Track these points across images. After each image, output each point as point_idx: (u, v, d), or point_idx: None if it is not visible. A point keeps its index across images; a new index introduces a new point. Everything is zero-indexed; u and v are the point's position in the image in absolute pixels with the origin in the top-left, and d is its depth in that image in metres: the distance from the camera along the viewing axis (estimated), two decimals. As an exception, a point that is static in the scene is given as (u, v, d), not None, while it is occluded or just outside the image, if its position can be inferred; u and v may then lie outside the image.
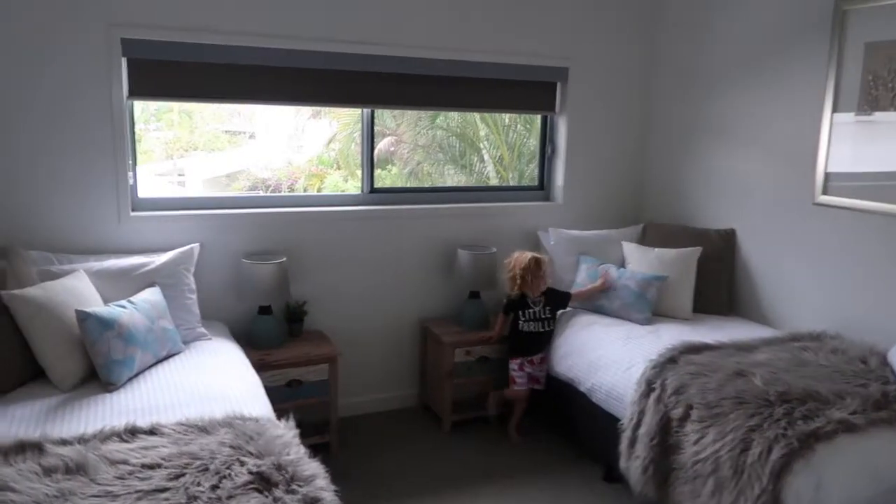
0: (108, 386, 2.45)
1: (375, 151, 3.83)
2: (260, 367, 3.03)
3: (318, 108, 4.84)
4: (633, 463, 2.73)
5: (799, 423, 2.28)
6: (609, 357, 3.12)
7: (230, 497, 1.73)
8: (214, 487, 1.77)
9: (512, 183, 5.72)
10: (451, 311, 3.89)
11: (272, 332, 3.28)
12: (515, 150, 6.01)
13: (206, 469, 1.84)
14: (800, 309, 3.38)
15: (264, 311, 3.31)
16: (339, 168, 5.10)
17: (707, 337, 3.10)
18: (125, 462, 1.86)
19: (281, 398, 3.07)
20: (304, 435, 3.08)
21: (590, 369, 3.17)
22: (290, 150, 4.98)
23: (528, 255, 3.50)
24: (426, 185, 4.99)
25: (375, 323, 3.76)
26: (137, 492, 1.74)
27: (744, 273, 3.69)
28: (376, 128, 3.78)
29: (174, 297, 2.96)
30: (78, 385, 2.47)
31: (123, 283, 2.86)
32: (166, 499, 1.71)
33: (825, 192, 3.22)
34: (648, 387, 2.74)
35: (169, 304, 2.90)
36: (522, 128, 5.84)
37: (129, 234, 3.18)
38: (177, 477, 1.80)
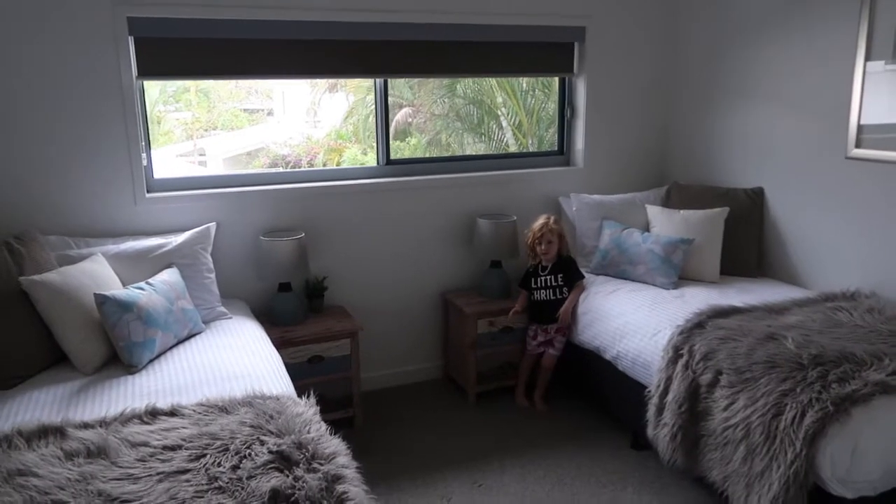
0: (130, 368, 2.45)
1: (393, 123, 3.76)
2: (281, 344, 3.03)
3: (335, 82, 4.79)
4: (661, 430, 2.68)
5: (834, 386, 2.21)
6: (634, 324, 3.05)
7: (251, 477, 1.71)
8: (235, 468, 1.75)
9: (531, 149, 5.61)
10: (472, 282, 3.84)
11: (292, 309, 3.27)
12: (534, 116, 5.89)
13: (227, 449, 1.83)
14: (832, 268, 3.27)
15: (284, 287, 3.29)
16: (357, 142, 5.05)
17: (736, 300, 3.02)
18: (146, 444, 1.85)
19: (303, 375, 3.07)
20: (328, 410, 3.12)
21: (615, 336, 3.11)
22: (307, 126, 4.95)
23: (539, 221, 3.45)
24: (444, 155, 4.92)
25: (397, 296, 3.73)
26: (159, 473, 1.73)
27: (773, 233, 3.58)
28: (393, 99, 3.70)
29: (192, 278, 2.95)
30: (100, 368, 2.47)
31: (141, 265, 2.86)
32: (187, 480, 1.70)
33: (858, 146, 3.08)
34: (676, 353, 2.67)
35: (187, 284, 2.90)
36: (541, 92, 5.71)
37: (145, 216, 3.17)
38: (197, 458, 1.79)
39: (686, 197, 3.74)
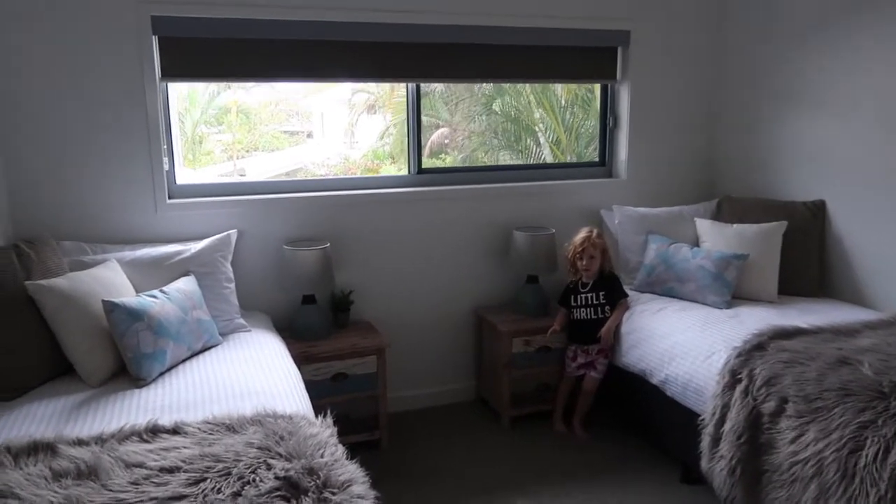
0: (138, 381, 2.29)
1: (429, 143, 3.61)
2: (303, 360, 2.86)
3: (373, 102, 4.74)
4: (717, 464, 2.40)
5: (923, 418, 1.92)
6: (685, 345, 2.79)
7: (252, 506, 1.51)
8: (236, 495, 1.56)
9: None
10: (507, 298, 3.62)
11: (316, 323, 3.09)
12: (573, 133, 5.69)
13: (229, 473, 1.63)
14: (905, 287, 2.97)
15: (308, 300, 3.12)
16: (394, 161, 4.99)
17: (797, 321, 2.74)
18: (142, 465, 1.67)
19: (325, 393, 2.89)
20: (352, 432, 2.93)
21: (663, 359, 2.85)
22: (345, 147, 4.93)
23: (581, 235, 3.22)
24: (478, 164, 4.74)
25: (427, 311, 3.52)
26: (151, 499, 1.54)
27: (836, 249, 3.28)
28: (429, 118, 3.54)
29: (211, 287, 2.80)
30: (107, 380, 2.31)
31: (157, 273, 2.71)
32: (181, 508, 1.50)
33: (936, 152, 2.79)
34: (733, 377, 2.41)
35: (205, 293, 2.74)
36: (579, 108, 5.52)
37: (166, 223, 3.03)
38: (196, 482, 1.60)
39: (739, 210, 3.47)
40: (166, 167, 3.05)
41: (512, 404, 3.35)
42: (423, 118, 3.50)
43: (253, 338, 2.77)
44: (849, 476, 1.94)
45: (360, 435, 3.02)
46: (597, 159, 3.95)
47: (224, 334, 2.76)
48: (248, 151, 4.76)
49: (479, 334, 3.59)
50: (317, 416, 2.08)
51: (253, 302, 3.16)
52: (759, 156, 3.67)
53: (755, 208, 3.43)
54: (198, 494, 1.56)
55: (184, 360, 2.49)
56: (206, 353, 2.57)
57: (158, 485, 1.59)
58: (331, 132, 5.04)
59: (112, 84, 2.86)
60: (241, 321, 2.87)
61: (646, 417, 3.08)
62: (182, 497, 1.55)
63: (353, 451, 1.92)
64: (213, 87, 4.80)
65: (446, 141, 5.50)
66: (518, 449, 3.17)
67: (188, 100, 4.62)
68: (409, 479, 2.89)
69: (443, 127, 5.47)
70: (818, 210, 3.32)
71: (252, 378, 2.34)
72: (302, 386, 2.40)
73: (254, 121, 4.73)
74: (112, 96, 2.87)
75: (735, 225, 3.33)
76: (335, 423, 2.02)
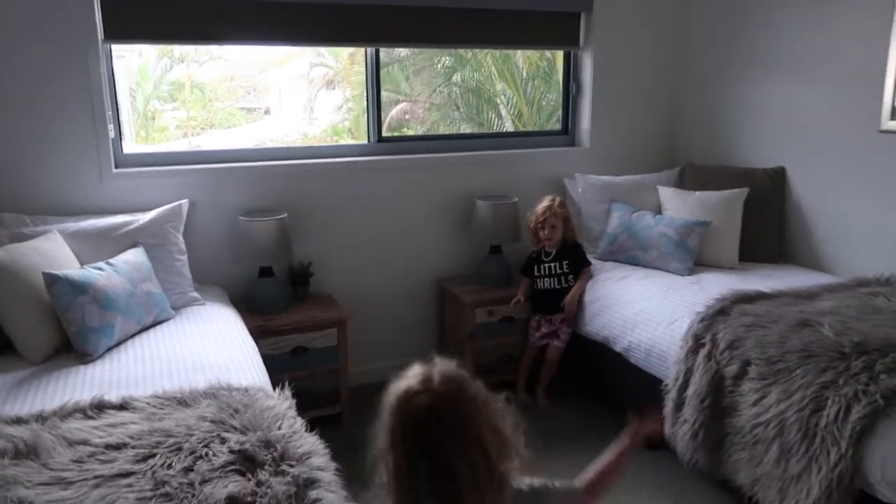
0: (84, 357, 2.18)
1: (388, 119, 3.52)
2: (261, 333, 2.77)
3: (332, 77, 4.65)
4: (681, 428, 2.41)
5: (882, 377, 1.94)
6: (648, 312, 2.78)
7: (205, 481, 1.44)
8: (187, 470, 1.48)
9: (533, 134, 5.36)
10: (470, 268, 3.56)
11: (274, 296, 2.99)
12: (534, 105, 5.64)
13: (180, 448, 1.55)
14: (862, 252, 3.00)
15: (265, 273, 3.02)
16: (353, 137, 4.92)
17: (759, 286, 2.75)
18: (85, 442, 1.58)
19: (285, 367, 2.80)
20: (312, 406, 2.86)
21: (626, 327, 2.84)
22: (304, 123, 4.85)
23: (543, 204, 3.18)
24: (440, 133, 4.67)
25: (388, 283, 3.45)
26: (96, 477, 1.46)
27: (796, 215, 3.30)
28: (389, 94, 3.44)
29: (161, 259, 2.68)
30: (50, 357, 2.20)
31: (104, 245, 2.58)
32: (129, 485, 1.43)
33: (894, 117, 2.81)
34: (696, 342, 2.40)
35: (156, 266, 2.62)
36: (541, 81, 5.48)
37: (113, 193, 2.89)
38: (144, 459, 1.52)
39: (701, 178, 3.46)
40: (112, 135, 2.90)
41: (475, 375, 3.31)
42: (383, 93, 3.40)
43: (207, 311, 2.67)
44: (810, 436, 1.95)
45: (320, 409, 2.95)
46: (560, 126, 3.91)
47: (176, 308, 2.65)
48: (203, 128, 4.64)
49: (441, 305, 3.54)
50: (274, 389, 2.01)
51: (208, 275, 3.04)
52: (721, 123, 3.66)
53: (717, 176, 3.43)
54: (146, 471, 1.48)
55: (133, 335, 2.38)
56: (158, 328, 2.46)
57: (104, 462, 1.51)
58: (289, 108, 4.94)
59: (51, 46, 2.69)
60: (195, 294, 2.76)
61: (609, 385, 3.08)
62: (129, 474, 1.47)
63: (314, 426, 1.86)
64: (165, 60, 4.62)
65: (406, 116, 5.40)
66: (482, 420, 3.14)
67: (139, 74, 4.44)
68: (371, 454, 2.84)
69: (403, 102, 5.37)
70: (778, 177, 3.33)
71: (206, 352, 2.25)
72: (259, 359, 2.32)
73: (209, 97, 4.61)
74: (52, 60, 2.70)
75: (697, 192, 3.33)
76: (295, 397, 1.95)
